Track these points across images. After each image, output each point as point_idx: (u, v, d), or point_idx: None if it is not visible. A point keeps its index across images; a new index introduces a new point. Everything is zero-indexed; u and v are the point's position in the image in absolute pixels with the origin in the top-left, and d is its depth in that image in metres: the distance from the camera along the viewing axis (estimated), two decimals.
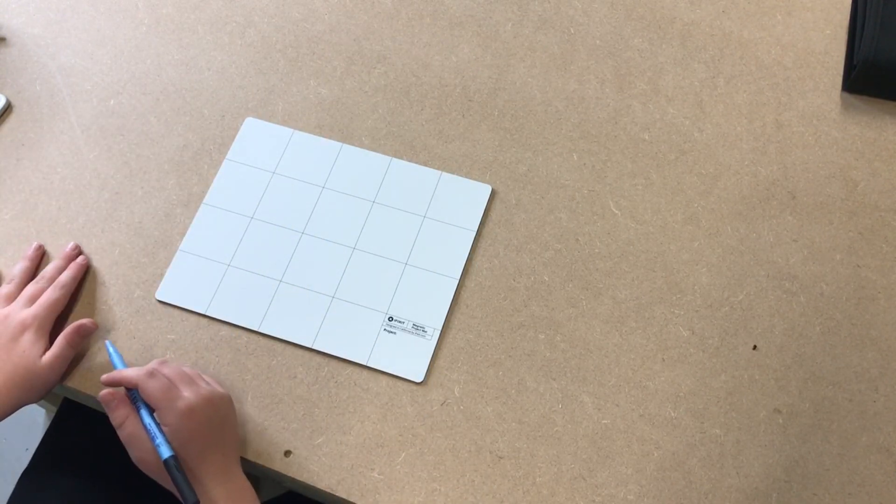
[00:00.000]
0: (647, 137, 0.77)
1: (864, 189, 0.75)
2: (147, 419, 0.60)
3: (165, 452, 0.57)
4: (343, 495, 0.63)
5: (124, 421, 0.60)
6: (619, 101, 0.79)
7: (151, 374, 0.60)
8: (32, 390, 0.64)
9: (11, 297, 0.68)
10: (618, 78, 0.80)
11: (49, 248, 0.73)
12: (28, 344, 0.64)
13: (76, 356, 0.68)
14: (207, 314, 0.70)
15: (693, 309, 0.70)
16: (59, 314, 0.68)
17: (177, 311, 0.70)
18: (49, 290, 0.68)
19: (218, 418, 0.61)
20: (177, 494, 0.57)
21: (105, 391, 0.61)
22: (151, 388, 0.59)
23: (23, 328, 0.65)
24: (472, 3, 0.85)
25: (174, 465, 0.57)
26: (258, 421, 0.66)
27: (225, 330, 0.69)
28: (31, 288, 0.68)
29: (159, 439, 0.58)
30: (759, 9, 0.84)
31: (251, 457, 0.64)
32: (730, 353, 0.68)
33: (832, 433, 0.65)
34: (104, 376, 0.62)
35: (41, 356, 0.64)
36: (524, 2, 0.85)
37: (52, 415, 1.35)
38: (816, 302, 0.70)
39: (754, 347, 0.68)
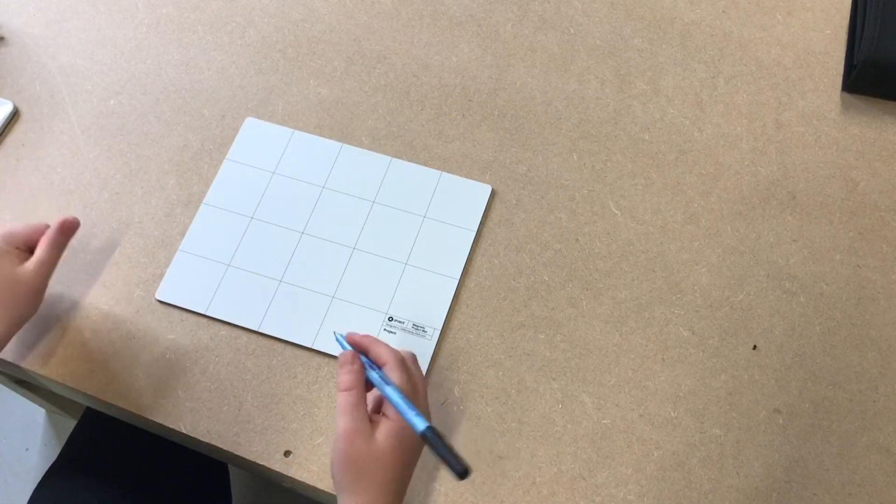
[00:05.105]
0: (647, 137, 0.77)
1: (864, 189, 0.75)
2: (396, 396, 0.55)
3: (421, 424, 0.53)
4: None
5: (353, 388, 0.56)
6: (619, 101, 0.79)
7: (403, 363, 0.57)
8: (20, 301, 0.62)
9: None
10: (618, 78, 0.80)
11: None
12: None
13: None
14: (207, 314, 0.70)
15: (693, 309, 0.70)
16: (28, 233, 0.65)
17: (177, 311, 0.70)
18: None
19: (418, 456, 0.58)
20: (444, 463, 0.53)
21: (349, 352, 0.59)
22: (397, 379, 0.56)
23: None
24: (472, 3, 0.85)
25: (434, 434, 0.52)
26: (258, 421, 0.66)
27: (225, 330, 0.69)
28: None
29: (412, 413, 0.53)
30: (759, 9, 0.84)
31: (251, 457, 0.64)
32: (730, 353, 0.68)
33: (832, 433, 0.65)
34: (351, 334, 0.60)
35: (20, 264, 0.62)
36: (524, 2, 0.85)
37: (52, 415, 1.35)
38: (816, 302, 0.70)
39: (754, 347, 0.68)
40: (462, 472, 0.51)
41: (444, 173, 0.75)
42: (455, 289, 0.70)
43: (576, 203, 0.74)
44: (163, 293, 0.70)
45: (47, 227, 0.68)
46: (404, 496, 0.57)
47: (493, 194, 0.75)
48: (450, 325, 0.69)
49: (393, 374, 0.57)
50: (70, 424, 1.34)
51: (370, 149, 0.77)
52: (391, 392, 0.56)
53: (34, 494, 0.77)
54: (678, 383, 0.67)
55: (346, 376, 0.57)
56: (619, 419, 0.66)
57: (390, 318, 0.69)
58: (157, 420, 0.66)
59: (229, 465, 0.88)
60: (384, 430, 0.55)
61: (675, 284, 0.71)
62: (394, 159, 0.76)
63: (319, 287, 0.70)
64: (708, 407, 0.66)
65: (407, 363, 0.59)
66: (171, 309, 0.70)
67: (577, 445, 0.65)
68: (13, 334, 0.62)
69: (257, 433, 0.65)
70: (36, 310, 0.65)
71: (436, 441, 0.52)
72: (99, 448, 0.80)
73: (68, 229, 0.66)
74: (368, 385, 0.59)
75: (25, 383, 1.11)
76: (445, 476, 0.64)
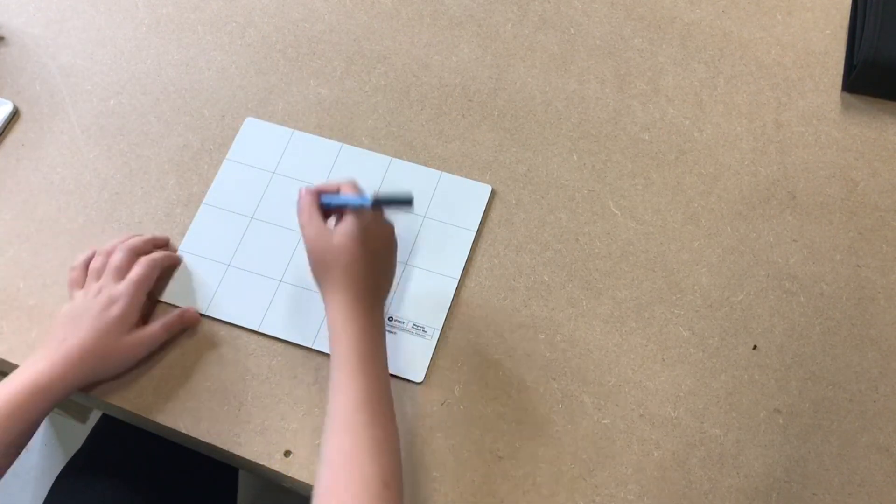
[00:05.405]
0: (647, 137, 0.77)
1: (864, 189, 0.75)
2: (345, 197, 0.62)
3: (367, 199, 0.60)
4: None
5: (307, 209, 0.63)
6: (619, 101, 0.79)
7: (355, 184, 0.63)
8: (112, 364, 0.65)
9: (101, 271, 0.68)
10: (618, 78, 0.80)
11: (49, 248, 0.73)
12: (117, 319, 0.64)
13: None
14: (207, 314, 0.70)
15: (693, 309, 0.70)
16: (148, 290, 0.68)
17: (175, 310, 0.70)
18: (137, 266, 0.67)
19: (388, 252, 0.64)
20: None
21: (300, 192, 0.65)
22: (353, 192, 0.62)
23: (111, 303, 0.65)
24: (472, 3, 0.85)
25: (380, 196, 0.59)
26: (258, 421, 0.66)
27: (225, 330, 0.69)
28: (116, 259, 0.67)
29: (360, 198, 0.61)
30: (759, 9, 0.84)
31: (251, 457, 0.64)
32: (730, 353, 0.68)
33: (832, 433, 0.65)
34: (308, 189, 0.64)
35: (129, 331, 0.65)
36: (524, 2, 0.85)
37: (52, 415, 1.35)
38: (816, 302, 0.70)
39: (754, 347, 0.68)
40: (409, 199, 0.58)
41: (444, 173, 0.75)
42: (455, 289, 0.70)
43: (576, 203, 0.74)
44: (163, 293, 0.70)
45: (161, 241, 0.72)
46: (383, 294, 0.63)
47: (493, 194, 0.75)
48: (450, 325, 0.69)
49: (349, 190, 0.63)
50: (71, 425, 1.34)
51: (370, 149, 0.77)
52: (342, 197, 0.62)
53: (50, 494, 0.77)
54: (678, 383, 0.67)
55: (300, 204, 0.64)
56: (619, 419, 0.66)
57: (390, 318, 0.69)
58: (157, 420, 0.66)
59: (239, 471, 0.88)
60: (341, 228, 0.61)
61: (675, 284, 0.71)
62: (394, 159, 0.76)
63: None
64: (708, 407, 0.66)
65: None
66: (172, 309, 0.70)
67: (577, 445, 0.65)
68: (82, 386, 0.64)
69: (257, 433, 0.65)
70: (119, 373, 0.67)
71: (383, 198, 0.60)
72: (115, 450, 0.80)
73: (188, 322, 0.69)
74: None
75: None
76: (445, 476, 0.64)
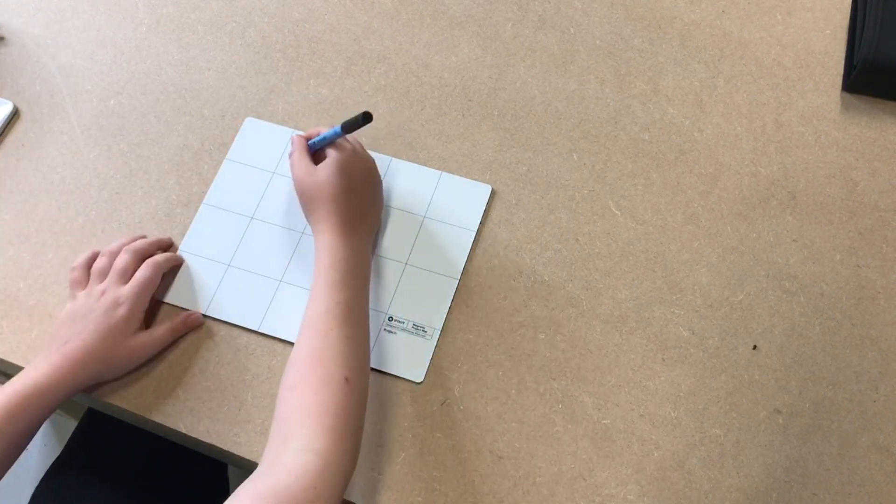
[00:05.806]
0: (647, 137, 0.77)
1: (864, 189, 0.75)
2: (323, 134, 0.69)
3: (337, 128, 0.67)
4: (344, 495, 0.63)
5: (296, 149, 0.70)
6: (619, 101, 0.79)
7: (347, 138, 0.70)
8: (115, 366, 0.65)
9: (105, 272, 0.68)
10: (618, 78, 0.80)
11: (49, 248, 0.73)
12: (122, 321, 0.64)
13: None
14: (207, 314, 0.70)
15: (693, 309, 0.70)
16: (152, 293, 0.68)
17: (177, 312, 0.70)
18: (143, 268, 0.67)
19: (371, 183, 0.69)
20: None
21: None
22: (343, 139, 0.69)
23: (116, 305, 0.65)
24: (472, 3, 0.85)
25: (344, 124, 0.66)
26: (258, 421, 0.66)
27: (225, 330, 0.69)
28: (121, 262, 0.68)
29: (329, 132, 0.68)
30: (759, 9, 0.84)
31: (251, 456, 0.64)
32: (730, 353, 0.68)
33: (832, 433, 0.65)
34: (298, 135, 0.72)
35: (133, 334, 0.65)
36: (524, 2, 0.85)
37: (52, 415, 1.35)
38: (816, 302, 0.70)
39: (754, 347, 0.68)
40: (366, 116, 0.65)
41: (444, 173, 0.75)
42: (455, 289, 0.70)
43: (576, 203, 0.74)
44: (164, 294, 0.70)
45: (168, 244, 0.73)
46: (369, 222, 0.69)
47: (493, 194, 0.75)
48: (450, 325, 0.69)
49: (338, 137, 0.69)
50: (70, 424, 1.34)
51: (370, 149, 0.77)
52: (320, 134, 0.69)
53: (35, 493, 0.77)
54: (678, 383, 0.67)
55: (291, 148, 0.70)
56: (619, 419, 0.66)
57: (390, 318, 0.69)
58: (157, 420, 0.66)
59: (228, 465, 0.88)
60: (323, 164, 0.67)
61: (675, 284, 0.71)
62: (394, 159, 0.76)
63: None
64: (708, 407, 0.66)
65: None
66: (172, 309, 0.70)
67: (577, 445, 0.65)
68: (84, 388, 0.64)
69: (257, 433, 0.65)
70: (120, 375, 0.67)
71: (347, 124, 0.66)
72: (99, 448, 0.80)
73: (192, 325, 0.69)
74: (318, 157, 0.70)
75: None
76: (445, 476, 0.64)
